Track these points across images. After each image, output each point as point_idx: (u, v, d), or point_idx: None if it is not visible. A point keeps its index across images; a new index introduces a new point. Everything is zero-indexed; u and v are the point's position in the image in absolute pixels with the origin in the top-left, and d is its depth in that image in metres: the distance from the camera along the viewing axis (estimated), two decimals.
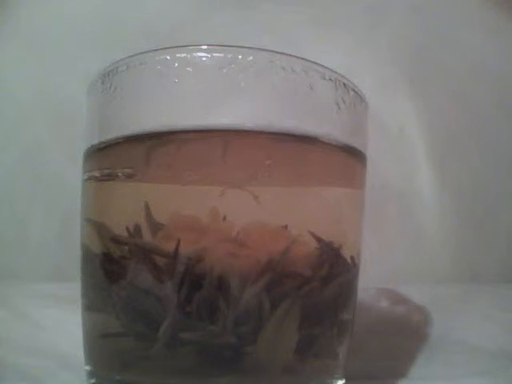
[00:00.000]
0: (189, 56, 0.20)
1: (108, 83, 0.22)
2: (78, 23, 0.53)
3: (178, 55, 0.20)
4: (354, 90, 0.23)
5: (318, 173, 0.22)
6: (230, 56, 0.20)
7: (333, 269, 0.22)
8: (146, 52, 0.21)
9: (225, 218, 0.19)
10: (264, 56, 0.20)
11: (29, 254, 0.52)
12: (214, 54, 0.20)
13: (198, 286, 0.19)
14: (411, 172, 0.58)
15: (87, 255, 0.23)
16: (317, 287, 0.21)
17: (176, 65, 0.20)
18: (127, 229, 0.20)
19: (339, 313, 0.23)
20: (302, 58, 0.21)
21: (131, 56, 0.21)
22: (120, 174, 0.21)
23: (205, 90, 0.20)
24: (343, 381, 0.23)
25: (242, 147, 0.20)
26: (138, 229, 0.20)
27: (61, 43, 0.53)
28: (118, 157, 0.22)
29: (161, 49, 0.20)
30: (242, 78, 0.20)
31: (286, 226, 0.20)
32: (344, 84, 0.22)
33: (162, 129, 0.20)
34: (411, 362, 0.29)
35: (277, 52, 0.20)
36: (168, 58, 0.20)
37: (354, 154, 0.24)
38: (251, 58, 0.20)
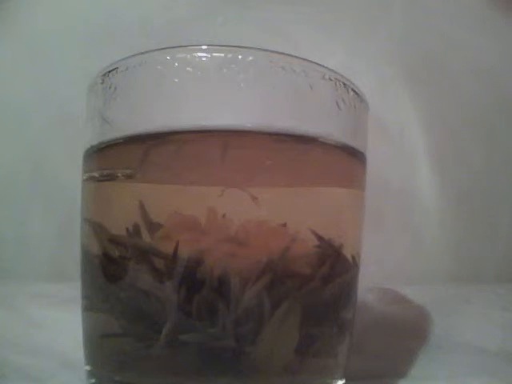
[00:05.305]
0: (189, 56, 0.20)
1: (108, 83, 0.22)
2: (78, 23, 0.53)
3: (178, 55, 0.20)
4: (353, 90, 0.23)
5: (317, 173, 0.22)
6: (230, 56, 0.20)
7: (333, 268, 0.22)
8: (145, 52, 0.21)
9: (224, 218, 0.19)
10: (264, 56, 0.20)
11: (29, 254, 0.52)
12: (214, 54, 0.20)
13: (198, 287, 0.19)
14: (411, 172, 0.58)
15: (87, 255, 0.23)
16: (317, 287, 0.21)
17: (176, 65, 0.20)
18: (126, 229, 0.20)
19: (339, 312, 0.23)
20: (302, 58, 0.21)
21: (131, 56, 0.21)
22: (119, 175, 0.21)
23: (205, 89, 0.20)
24: (343, 381, 0.23)
25: (242, 147, 0.20)
26: (136, 229, 0.20)
27: (61, 43, 0.53)
28: (117, 157, 0.22)
29: (161, 49, 0.20)
30: (242, 78, 0.20)
31: (285, 225, 0.20)
32: (344, 84, 0.22)
33: (161, 129, 0.20)
34: (411, 362, 0.29)
35: (277, 52, 0.20)
36: (168, 58, 0.20)
37: (354, 154, 0.24)
38: (251, 58, 0.20)
